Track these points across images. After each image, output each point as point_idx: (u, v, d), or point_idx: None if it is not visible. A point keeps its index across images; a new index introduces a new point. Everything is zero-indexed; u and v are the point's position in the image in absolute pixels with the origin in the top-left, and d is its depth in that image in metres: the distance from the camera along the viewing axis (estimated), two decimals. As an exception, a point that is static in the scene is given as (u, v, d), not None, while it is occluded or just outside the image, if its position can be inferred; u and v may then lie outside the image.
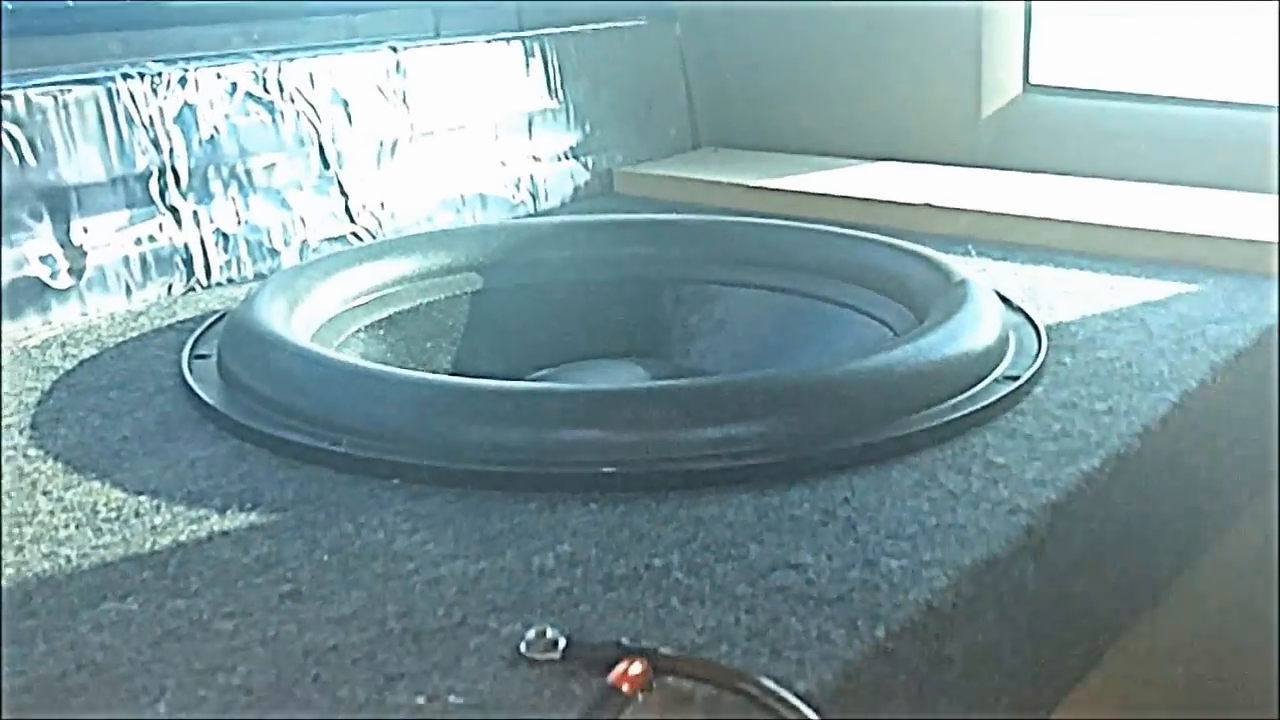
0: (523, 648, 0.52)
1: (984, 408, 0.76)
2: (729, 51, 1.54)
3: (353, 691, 0.50)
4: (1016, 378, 0.80)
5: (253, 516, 0.65)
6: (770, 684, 0.49)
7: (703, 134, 1.55)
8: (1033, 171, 1.35)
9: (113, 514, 0.65)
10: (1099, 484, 0.70)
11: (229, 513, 0.65)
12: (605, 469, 0.67)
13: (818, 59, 1.50)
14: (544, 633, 0.52)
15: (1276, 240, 1.05)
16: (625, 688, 0.48)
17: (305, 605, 0.56)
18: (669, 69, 1.51)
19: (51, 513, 0.66)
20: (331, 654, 0.53)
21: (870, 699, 0.53)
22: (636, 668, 0.49)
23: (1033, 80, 1.46)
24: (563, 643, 0.52)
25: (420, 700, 0.49)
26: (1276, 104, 1.25)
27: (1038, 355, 0.85)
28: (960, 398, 0.77)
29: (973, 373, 0.79)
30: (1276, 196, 1.17)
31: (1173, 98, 1.38)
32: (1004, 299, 0.94)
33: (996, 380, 0.80)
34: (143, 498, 0.67)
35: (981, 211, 1.22)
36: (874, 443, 0.71)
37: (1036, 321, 0.92)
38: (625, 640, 0.51)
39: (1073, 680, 0.74)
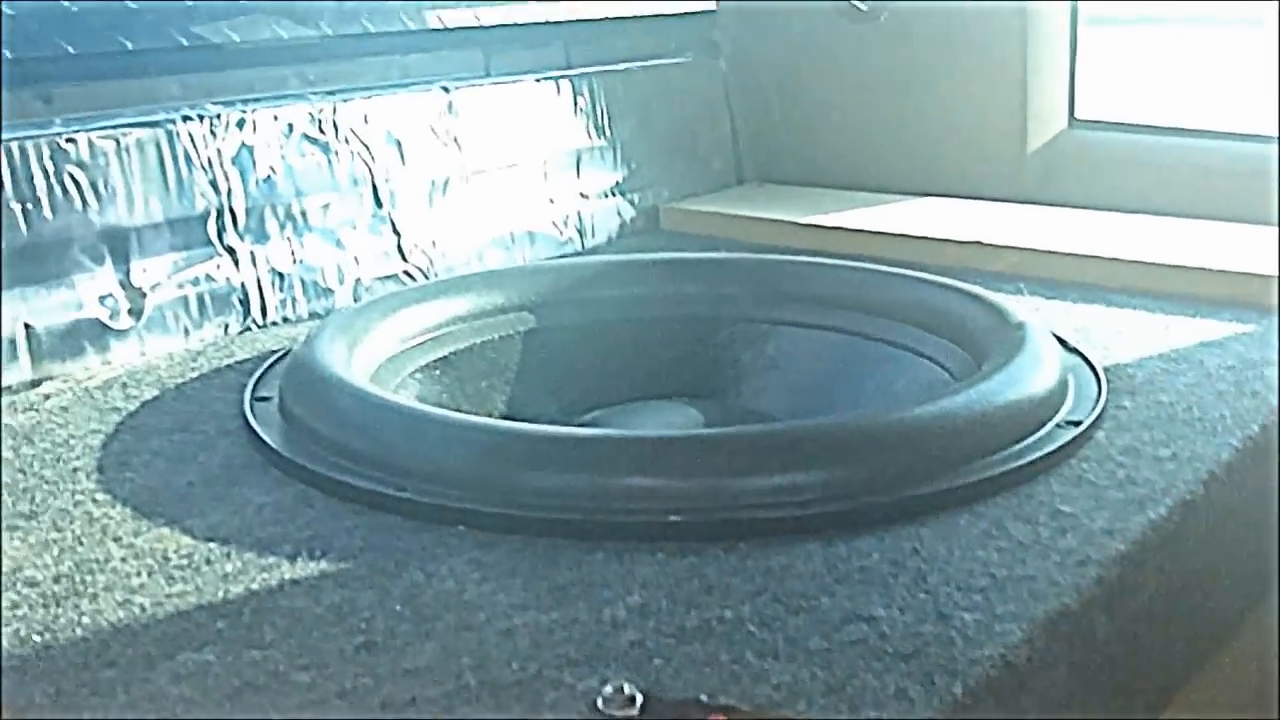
0: (600, 704, 0.52)
1: (1048, 454, 0.75)
2: (774, 87, 1.55)
3: (433, 747, 0.50)
4: (1078, 423, 0.80)
5: (323, 564, 0.65)
6: (852, 743, 0.49)
7: (748, 169, 1.55)
8: (1078, 207, 1.35)
9: (184, 561, 0.66)
10: (1167, 532, 0.70)
11: (299, 560, 0.66)
12: (672, 517, 0.67)
13: (863, 94, 1.50)
14: (621, 688, 0.52)
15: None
16: (706, 746, 0.48)
17: (380, 657, 0.57)
18: (714, 105, 1.52)
19: (124, 559, 0.66)
20: (410, 708, 0.53)
21: (947, 756, 0.53)
22: (717, 726, 0.49)
23: (1078, 115, 1.46)
24: (640, 699, 0.52)
25: (501, 757, 0.49)
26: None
27: (1098, 399, 0.85)
28: (1024, 444, 0.76)
29: (1035, 418, 0.79)
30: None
31: (1220, 133, 1.38)
32: (1060, 340, 0.93)
33: (1059, 425, 0.80)
34: (213, 544, 0.67)
35: (1031, 249, 1.21)
36: (940, 491, 0.70)
37: (1094, 363, 0.91)
38: (704, 697, 0.51)
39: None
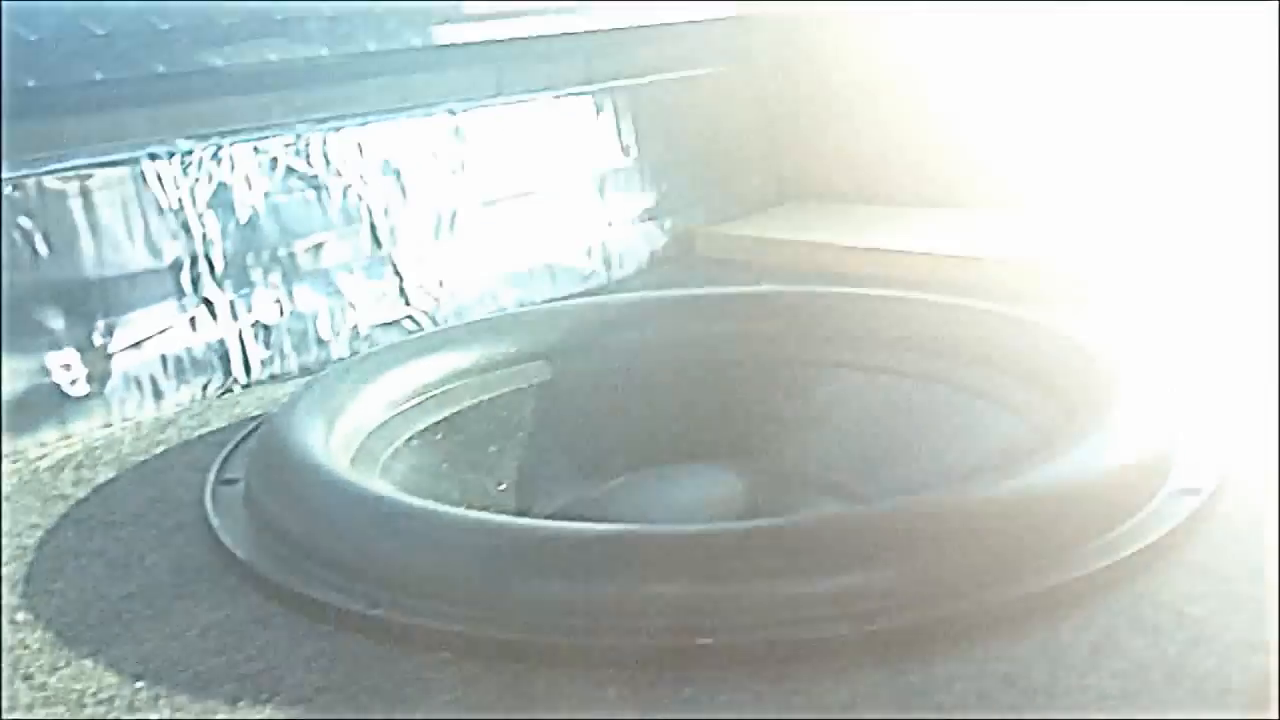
0: None
1: (1164, 535, 0.61)
2: (815, 97, 1.41)
3: None
4: (1197, 490, 0.66)
5: (269, 710, 0.53)
6: None
7: (790, 186, 1.42)
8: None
9: (101, 708, 0.54)
10: (1324, 640, 0.55)
11: (241, 705, 0.53)
12: (702, 640, 0.54)
13: (917, 101, 1.36)
14: None
15: None
16: None
17: None
18: (751, 118, 1.39)
19: (30, 707, 0.54)
20: None
21: None
22: None
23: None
24: None
25: None
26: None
27: (1216, 458, 0.70)
28: (1132, 521, 0.62)
29: (1145, 487, 0.65)
30: None
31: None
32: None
33: (1171, 495, 0.66)
34: (140, 684, 0.55)
35: (1099, 267, 1.07)
36: (1035, 593, 0.57)
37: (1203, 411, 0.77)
38: None
39: None
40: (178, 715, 0.53)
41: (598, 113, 1.22)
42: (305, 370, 0.98)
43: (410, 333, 1.04)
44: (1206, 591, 0.58)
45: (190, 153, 0.95)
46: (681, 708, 0.51)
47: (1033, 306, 0.89)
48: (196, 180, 0.95)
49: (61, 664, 0.57)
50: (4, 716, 0.53)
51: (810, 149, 1.42)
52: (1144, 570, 0.60)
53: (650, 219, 1.26)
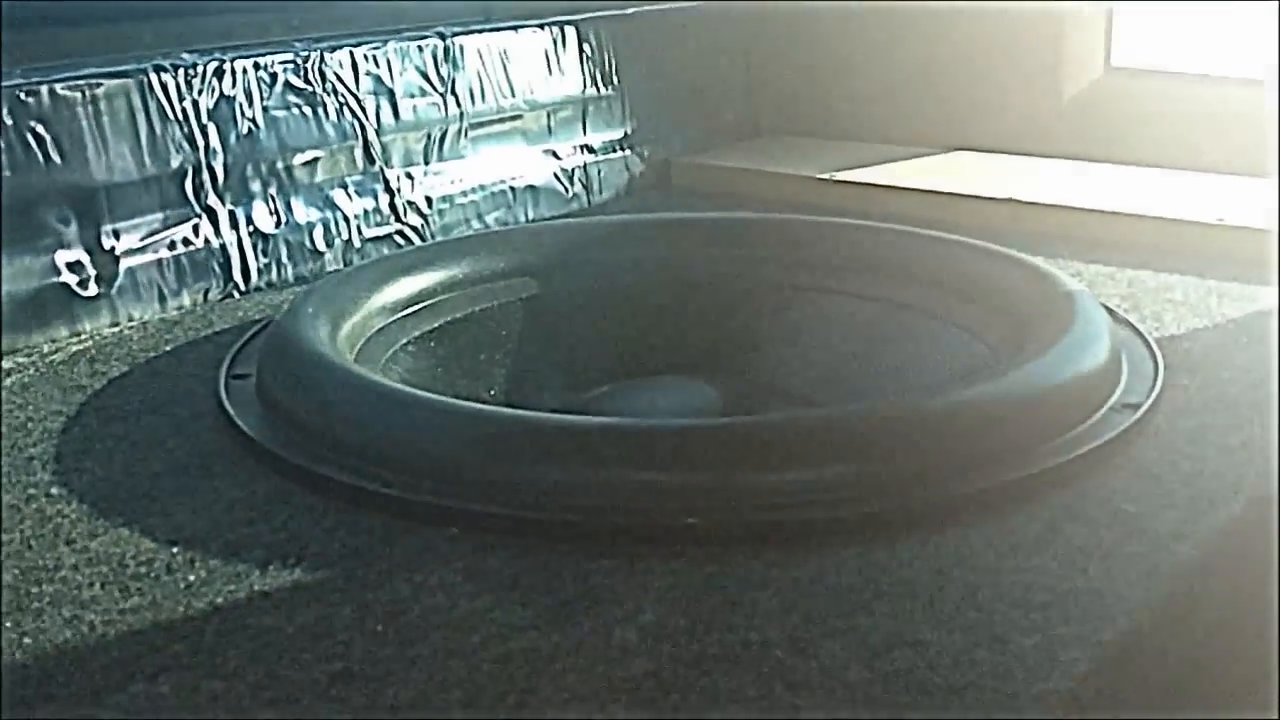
0: (609, 750, 0.45)
1: (1105, 443, 0.68)
2: (790, 32, 1.46)
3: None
4: (1136, 405, 0.72)
5: (297, 574, 0.58)
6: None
7: (764, 120, 1.47)
8: (1115, 161, 1.26)
9: (142, 569, 0.59)
10: (1241, 535, 0.62)
11: (270, 569, 0.58)
12: (687, 520, 0.60)
13: (886, 39, 1.41)
14: (633, 733, 0.45)
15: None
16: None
17: (358, 689, 0.50)
18: (728, 52, 1.43)
19: (75, 567, 0.59)
20: (390, 755, 0.46)
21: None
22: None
23: (1114, 62, 1.37)
24: (655, 745, 0.45)
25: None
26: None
27: (1154, 378, 0.77)
28: (1078, 430, 0.69)
29: (1090, 401, 0.71)
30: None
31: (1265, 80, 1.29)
32: (1109, 310, 0.86)
33: (1114, 409, 0.72)
34: (176, 549, 0.60)
35: (1069, 207, 1.13)
36: (989, 488, 0.63)
37: (1146, 336, 0.84)
38: (731, 749, 0.44)
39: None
40: (214, 575, 0.58)
41: (581, 43, 1.26)
42: (300, 279, 1.02)
43: (400, 247, 1.08)
44: (1141, 492, 0.65)
45: (194, 66, 0.98)
46: (670, 576, 0.57)
47: (995, 238, 0.95)
48: (200, 93, 0.98)
49: (100, 531, 0.62)
50: (54, 576, 0.58)
51: (786, 85, 1.46)
52: (1086, 473, 0.66)
53: (629, 148, 1.31)
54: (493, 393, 0.89)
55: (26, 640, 0.53)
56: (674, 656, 0.51)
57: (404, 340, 0.88)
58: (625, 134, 1.30)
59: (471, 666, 0.51)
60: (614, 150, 1.29)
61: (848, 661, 0.51)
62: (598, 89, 1.28)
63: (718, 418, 0.82)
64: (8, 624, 0.54)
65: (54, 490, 0.67)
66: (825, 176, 1.24)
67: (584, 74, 1.27)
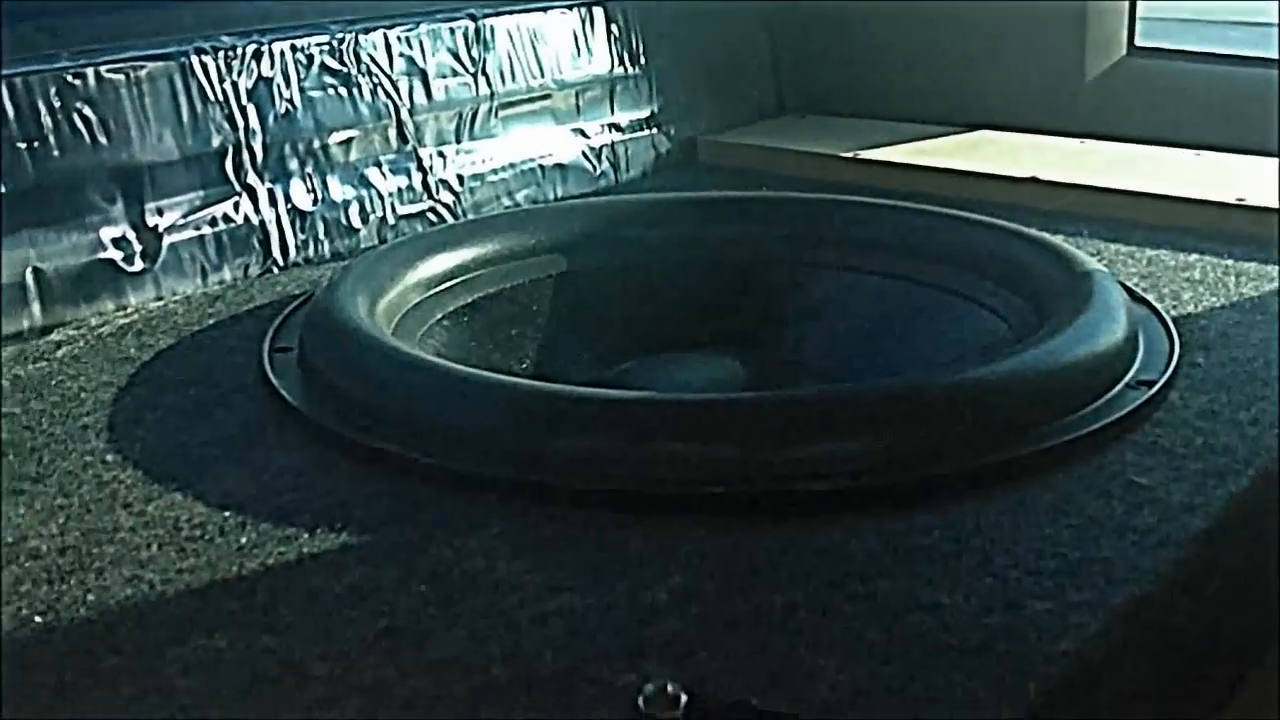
0: (641, 703, 0.48)
1: (1120, 419, 0.70)
2: (816, 11, 1.47)
3: (460, 752, 0.46)
4: (1151, 383, 0.75)
5: (344, 537, 0.61)
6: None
7: (790, 99, 1.48)
8: (1138, 140, 1.28)
9: (196, 531, 0.62)
10: (1251, 507, 0.64)
11: (318, 533, 0.61)
12: (714, 489, 0.63)
13: (910, 19, 1.43)
14: (664, 687, 0.48)
15: None
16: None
17: (404, 645, 0.53)
18: (753, 31, 1.45)
19: (133, 529, 0.62)
20: (435, 705, 0.49)
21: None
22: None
23: (1138, 43, 1.38)
24: (685, 699, 0.47)
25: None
26: None
27: (1170, 356, 0.79)
28: (1093, 406, 0.71)
29: (1105, 377, 0.74)
30: None
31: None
32: (1127, 289, 0.88)
33: (1129, 386, 0.74)
34: (227, 513, 0.63)
35: (1090, 186, 1.15)
36: (1005, 461, 0.65)
37: (1163, 315, 0.86)
38: (756, 702, 0.47)
39: (1214, 708, 0.69)
40: (264, 538, 0.61)
41: (609, 23, 1.28)
42: (337, 255, 1.05)
43: (434, 224, 1.11)
44: (1154, 466, 0.67)
45: (234, 49, 1.01)
46: (698, 543, 0.60)
47: (1016, 218, 0.97)
48: (239, 74, 1.01)
49: (155, 496, 0.65)
50: (114, 537, 0.61)
51: (811, 64, 1.48)
52: (1100, 448, 0.68)
53: (656, 126, 1.33)
54: (524, 366, 0.92)
55: (90, 597, 0.57)
56: (702, 618, 0.54)
57: (439, 315, 0.90)
58: (652, 113, 1.32)
59: (510, 625, 0.54)
60: (641, 129, 1.31)
61: (867, 623, 0.53)
62: (625, 69, 1.30)
63: (743, 392, 0.84)
64: (72, 582, 0.58)
65: (109, 457, 0.70)
66: (849, 155, 1.26)
67: (611, 54, 1.29)
